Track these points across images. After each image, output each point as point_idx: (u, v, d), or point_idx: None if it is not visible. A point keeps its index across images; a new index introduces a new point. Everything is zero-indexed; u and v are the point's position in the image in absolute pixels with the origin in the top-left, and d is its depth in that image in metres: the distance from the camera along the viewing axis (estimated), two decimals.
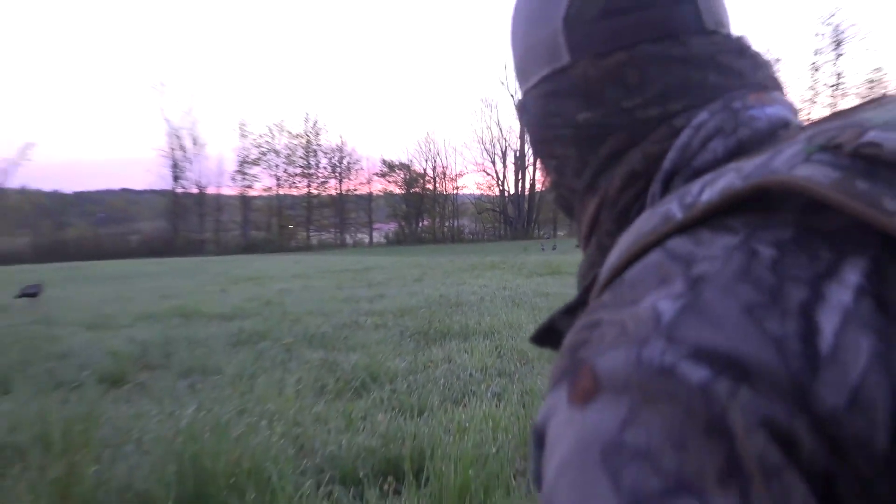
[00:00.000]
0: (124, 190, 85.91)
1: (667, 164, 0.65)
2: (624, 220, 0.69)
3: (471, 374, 5.06)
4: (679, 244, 0.54)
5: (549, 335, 0.75)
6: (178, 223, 66.92)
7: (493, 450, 2.84)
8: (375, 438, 3.49)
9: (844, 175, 0.48)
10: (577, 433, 0.49)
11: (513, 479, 2.85)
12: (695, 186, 0.57)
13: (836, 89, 59.63)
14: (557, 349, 0.70)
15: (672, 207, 0.57)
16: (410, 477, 2.72)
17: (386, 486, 2.87)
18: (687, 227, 0.55)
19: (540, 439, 0.54)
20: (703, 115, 0.65)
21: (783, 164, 0.52)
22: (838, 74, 59.58)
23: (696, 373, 0.45)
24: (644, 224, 0.59)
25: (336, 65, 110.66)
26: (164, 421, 3.73)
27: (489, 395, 4.41)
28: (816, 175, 0.49)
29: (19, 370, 5.74)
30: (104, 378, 5.38)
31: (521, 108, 0.79)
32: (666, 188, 0.65)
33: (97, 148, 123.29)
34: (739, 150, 0.64)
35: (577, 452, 0.49)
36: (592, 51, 0.69)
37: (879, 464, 0.43)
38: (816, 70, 60.45)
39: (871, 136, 0.50)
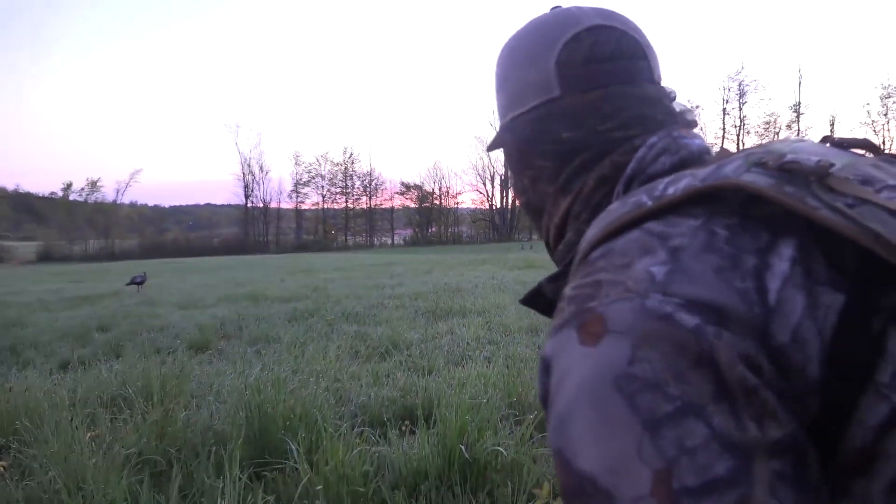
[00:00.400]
0: (208, 204, 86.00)
1: (629, 170, 0.68)
2: (597, 211, 0.70)
3: (467, 343, 5.03)
4: (654, 225, 0.56)
5: (536, 298, 0.77)
6: (248, 229, 67.10)
7: (485, 400, 2.81)
8: (396, 391, 3.47)
9: (777, 181, 0.53)
10: (591, 365, 0.50)
11: (499, 422, 2.83)
12: (660, 184, 0.60)
13: (741, 129, 59.53)
14: (541, 310, 0.78)
15: (642, 198, 0.59)
16: (422, 420, 2.70)
17: (403, 427, 2.85)
18: (656, 213, 0.57)
19: (547, 368, 0.55)
20: (653, 139, 0.69)
21: (731, 172, 0.56)
22: (742, 118, 59.46)
23: (690, 319, 0.48)
24: (618, 209, 0.60)
25: (368, 108, 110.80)
26: (236, 378, 3.71)
27: (481, 358, 4.38)
28: (758, 180, 0.53)
29: (129, 339, 5.74)
30: (192, 345, 5.37)
31: (508, 129, 0.79)
32: (627, 188, 0.67)
33: (188, 171, 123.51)
34: (681, 165, 0.67)
35: (593, 380, 0.50)
36: (578, 87, 0.72)
37: (812, 385, 0.47)
38: (726, 114, 60.22)
39: (789, 157, 0.55)
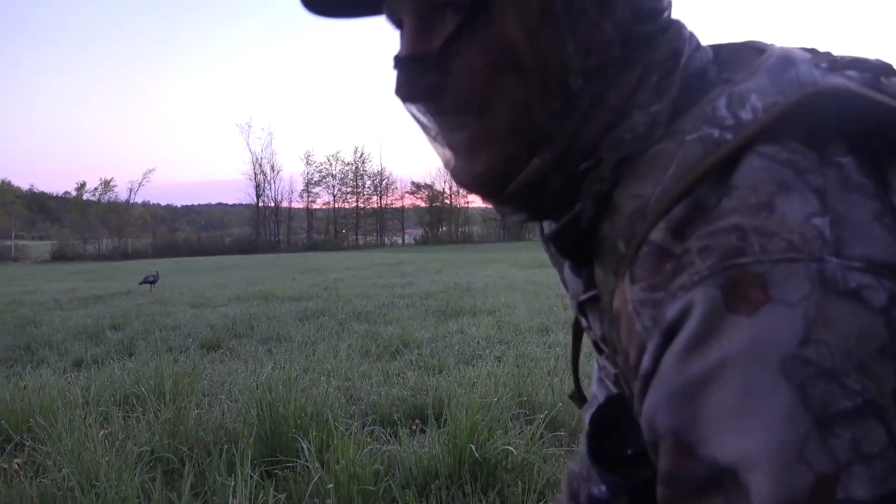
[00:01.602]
0: (219, 204, 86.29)
1: (684, 64, 0.55)
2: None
3: (478, 342, 5.03)
4: (775, 150, 0.45)
5: (567, 232, 0.57)
6: (259, 229, 67.29)
7: (495, 399, 2.81)
8: (406, 390, 3.47)
9: (863, 84, 0.45)
10: (747, 339, 0.41)
11: (509, 421, 2.82)
12: (718, 108, 0.49)
13: None
14: (569, 248, 0.59)
15: (712, 133, 0.48)
16: (432, 420, 2.70)
17: (414, 427, 2.86)
18: (755, 140, 0.46)
19: (672, 334, 0.44)
20: (687, 29, 0.58)
21: (809, 77, 0.47)
22: None
23: (878, 296, 0.40)
24: (686, 153, 0.48)
25: (379, 107, 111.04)
26: (248, 377, 3.73)
27: (492, 358, 4.38)
28: (850, 84, 0.45)
29: (142, 338, 5.77)
30: (204, 344, 5.39)
31: None
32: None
33: (200, 171, 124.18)
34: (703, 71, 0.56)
35: (750, 357, 0.40)
36: None
37: None
38: None
39: (848, 56, 0.48)
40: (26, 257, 58.30)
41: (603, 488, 0.88)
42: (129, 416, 2.95)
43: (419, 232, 70.18)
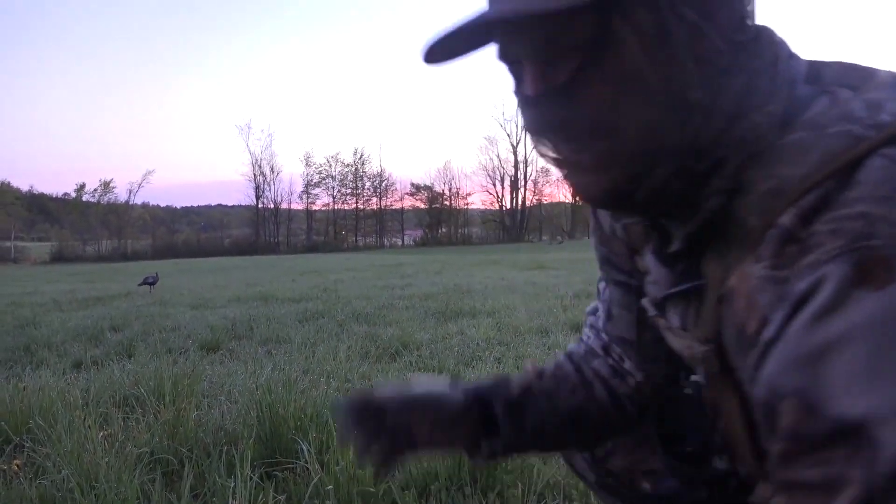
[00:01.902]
0: (219, 205, 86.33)
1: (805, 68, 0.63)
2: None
3: (477, 344, 5.03)
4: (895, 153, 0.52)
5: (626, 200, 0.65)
6: (259, 230, 67.34)
7: None
8: None
9: None
10: (877, 309, 0.46)
11: None
12: (857, 111, 0.55)
13: None
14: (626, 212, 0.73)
15: (853, 129, 0.54)
16: None
17: None
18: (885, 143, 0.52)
19: (800, 305, 0.50)
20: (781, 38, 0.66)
21: None
22: None
23: None
24: (830, 143, 0.54)
25: (379, 109, 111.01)
26: (248, 378, 3.72)
27: (491, 359, 4.38)
28: None
29: (141, 339, 5.76)
30: (204, 345, 5.38)
31: None
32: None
33: (199, 172, 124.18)
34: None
35: (878, 322, 0.46)
36: None
37: None
38: None
39: None
40: (26, 259, 58.32)
41: (671, 482, 0.99)
42: (128, 418, 2.94)
43: (419, 233, 70.22)
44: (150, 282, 12.83)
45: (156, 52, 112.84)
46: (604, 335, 1.02)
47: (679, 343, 0.77)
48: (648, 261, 0.80)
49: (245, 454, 2.31)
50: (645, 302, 0.83)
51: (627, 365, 0.99)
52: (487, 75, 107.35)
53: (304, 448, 2.44)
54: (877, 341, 0.45)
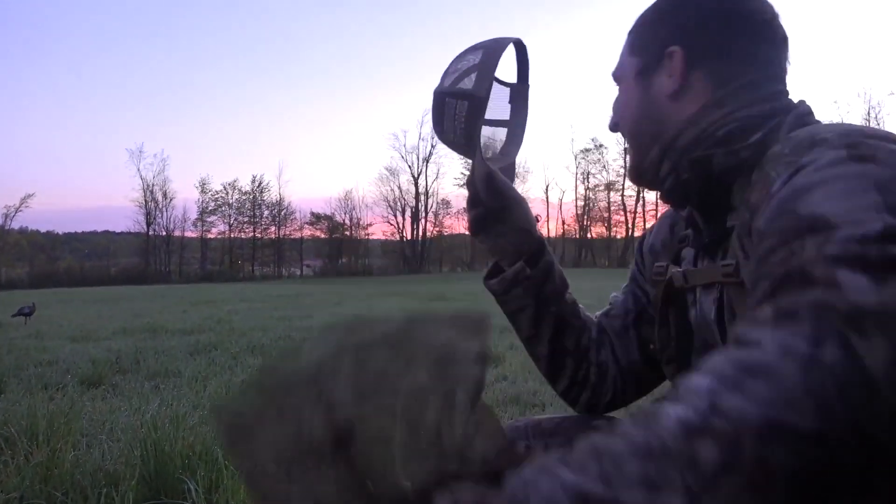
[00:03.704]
0: (106, 231, 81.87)
1: (803, 109, 0.94)
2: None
3: None
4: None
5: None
6: (149, 258, 64.49)
7: None
8: None
9: None
10: (856, 170, 0.66)
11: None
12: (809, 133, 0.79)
13: None
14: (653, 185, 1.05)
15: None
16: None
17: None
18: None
19: (799, 170, 0.71)
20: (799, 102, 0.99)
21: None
22: None
23: None
24: (846, 126, 0.79)
25: (279, 137, 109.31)
26: (132, 414, 3.53)
27: None
28: None
29: (13, 374, 5.35)
30: (84, 380, 5.06)
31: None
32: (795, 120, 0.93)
33: (85, 197, 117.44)
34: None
35: (856, 177, 0.65)
36: None
37: None
38: (627, 154, 63.01)
39: None
40: None
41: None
42: None
43: (318, 263, 69.27)
44: (25, 312, 11.99)
45: (39, 69, 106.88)
46: (601, 324, 1.27)
47: (701, 277, 0.99)
48: (685, 253, 1.06)
49: (127, 496, 2.18)
50: (676, 271, 1.04)
51: (603, 354, 1.23)
52: (389, 106, 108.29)
53: (192, 487, 2.33)
54: (852, 184, 0.64)
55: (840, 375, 0.48)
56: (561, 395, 1.27)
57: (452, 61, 1.16)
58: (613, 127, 1.12)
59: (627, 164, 1.09)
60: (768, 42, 0.98)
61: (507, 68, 1.21)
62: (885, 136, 0.74)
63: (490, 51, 1.11)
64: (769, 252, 0.66)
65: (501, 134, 1.25)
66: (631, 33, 1.09)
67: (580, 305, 1.28)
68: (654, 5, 1.06)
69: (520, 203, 1.19)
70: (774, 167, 0.75)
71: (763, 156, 0.82)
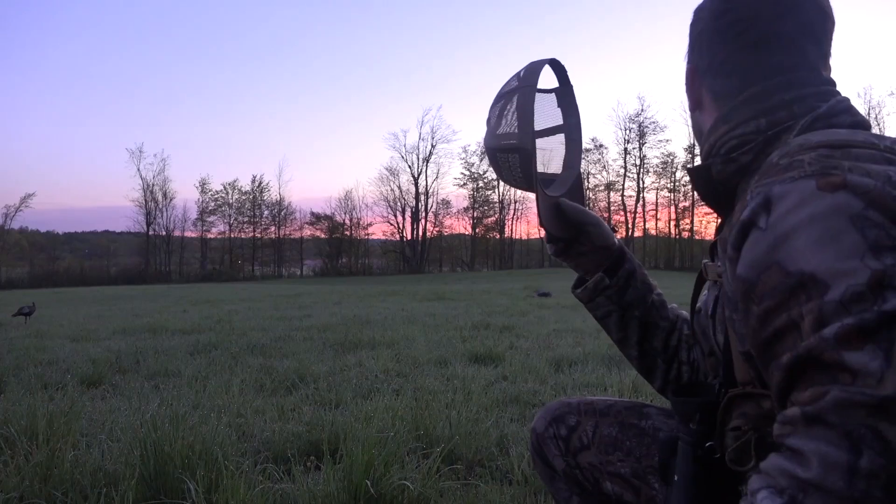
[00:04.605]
0: (106, 231, 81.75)
1: (825, 110, 0.93)
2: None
3: (376, 375, 4.99)
4: (888, 155, 0.80)
5: (703, 173, 0.99)
6: (149, 258, 64.44)
7: (392, 433, 2.78)
8: (301, 426, 3.38)
9: None
10: (828, 204, 0.69)
11: (406, 455, 2.80)
12: (883, 139, 0.83)
13: (641, 167, 62.34)
14: (701, 184, 1.00)
15: (871, 139, 0.82)
16: (328, 455, 2.64)
17: (308, 463, 2.78)
18: (884, 151, 0.81)
19: (768, 203, 0.74)
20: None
21: None
22: (642, 157, 62.33)
23: None
24: (849, 134, 0.83)
25: (279, 137, 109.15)
26: (132, 414, 3.53)
27: (390, 391, 4.35)
28: None
29: (13, 374, 5.35)
30: (84, 380, 5.05)
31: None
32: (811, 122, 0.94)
33: (85, 197, 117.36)
34: (855, 125, 0.93)
35: (830, 212, 0.68)
36: None
37: None
38: (627, 153, 62.88)
39: None
40: None
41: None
42: None
43: (318, 263, 69.21)
44: (25, 312, 11.99)
45: (41, 68, 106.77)
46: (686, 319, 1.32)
47: (710, 273, 1.04)
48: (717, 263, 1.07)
49: (126, 496, 2.18)
50: (705, 262, 1.08)
51: (695, 352, 1.27)
52: (389, 106, 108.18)
53: (192, 487, 2.33)
54: (828, 226, 0.67)
55: (881, 475, 0.57)
56: (658, 391, 1.33)
57: (491, 108, 1.24)
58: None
59: None
60: (772, 50, 0.97)
61: (545, 77, 1.26)
62: (865, 145, 0.78)
63: (524, 92, 1.17)
64: (766, 315, 0.72)
65: (560, 139, 1.31)
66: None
67: (672, 305, 1.33)
68: (697, 26, 1.11)
69: (595, 224, 1.27)
70: (755, 186, 0.80)
71: (767, 157, 0.88)
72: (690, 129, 1.18)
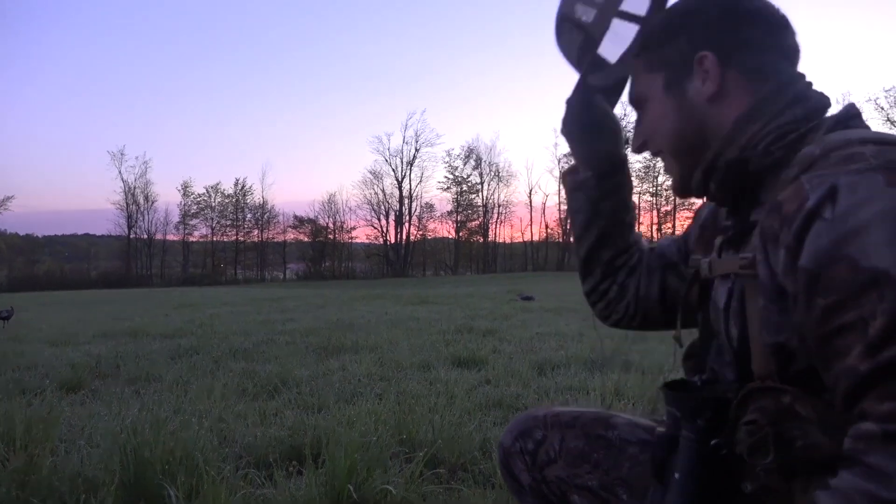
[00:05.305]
0: (87, 234, 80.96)
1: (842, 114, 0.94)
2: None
3: (359, 379, 4.98)
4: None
5: (740, 170, 0.97)
6: (130, 261, 63.81)
7: (375, 438, 2.77)
8: (284, 430, 3.36)
9: None
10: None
11: (389, 460, 2.79)
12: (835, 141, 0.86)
13: None
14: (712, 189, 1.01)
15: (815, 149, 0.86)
16: (310, 460, 2.63)
17: (290, 468, 2.77)
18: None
19: (834, 193, 0.74)
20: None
21: None
22: None
23: None
24: (880, 134, 0.84)
25: (262, 140, 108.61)
26: (112, 419, 3.49)
27: (373, 395, 4.34)
28: None
29: None
30: (63, 385, 4.99)
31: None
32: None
33: (65, 200, 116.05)
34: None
35: None
36: None
37: None
38: None
39: None
40: None
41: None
42: None
43: (301, 266, 68.92)
44: (3, 316, 11.82)
45: (20, 71, 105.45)
46: (642, 256, 1.34)
47: (722, 267, 1.01)
48: (717, 240, 1.07)
49: (106, 502, 2.16)
50: (704, 261, 1.07)
51: (630, 280, 1.32)
52: (373, 110, 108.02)
53: (172, 493, 2.31)
54: None
55: None
56: (584, 294, 1.38)
57: None
58: (640, 148, 1.14)
59: (672, 182, 1.10)
60: (784, 33, 1.01)
61: None
62: None
63: None
64: (833, 309, 0.73)
65: (633, 31, 1.22)
66: (640, 55, 1.10)
67: (643, 238, 1.38)
68: (661, 22, 1.08)
69: (611, 131, 1.28)
70: (807, 176, 0.80)
71: (795, 154, 0.87)
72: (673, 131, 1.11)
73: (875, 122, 49.86)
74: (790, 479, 0.84)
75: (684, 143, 1.04)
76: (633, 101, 1.13)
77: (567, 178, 1.34)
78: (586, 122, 1.27)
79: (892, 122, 49.04)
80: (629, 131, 1.23)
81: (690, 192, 1.07)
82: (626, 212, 1.32)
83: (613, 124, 1.28)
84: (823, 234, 0.74)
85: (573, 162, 1.35)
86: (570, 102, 1.27)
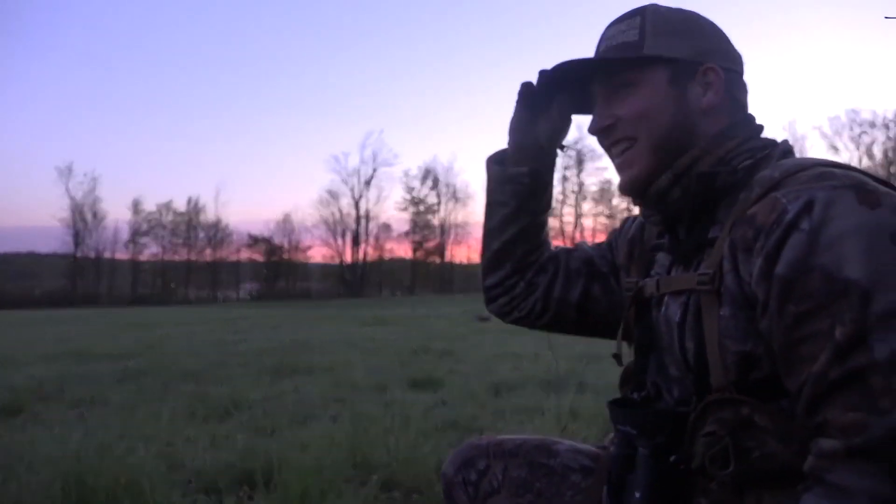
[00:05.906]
0: (31, 252, 78.38)
1: (784, 147, 1.02)
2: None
3: (313, 401, 4.91)
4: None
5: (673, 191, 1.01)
6: (76, 280, 62.02)
7: (329, 461, 2.73)
8: (235, 454, 3.29)
9: None
10: (871, 218, 0.76)
11: (343, 483, 2.75)
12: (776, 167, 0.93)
13: (579, 194, 63.58)
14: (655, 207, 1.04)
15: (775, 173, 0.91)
16: (261, 486, 2.58)
17: (241, 493, 2.70)
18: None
19: (810, 206, 0.78)
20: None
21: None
22: (580, 184, 63.62)
23: None
24: (791, 165, 0.90)
25: (216, 158, 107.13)
26: (54, 445, 3.37)
27: (327, 417, 4.29)
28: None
29: None
30: (2, 409, 4.80)
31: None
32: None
33: (8, 216, 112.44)
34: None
35: (873, 226, 0.75)
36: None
37: None
38: (566, 180, 63.96)
39: None
40: None
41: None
42: None
43: (256, 286, 67.91)
44: None
45: None
46: (558, 254, 1.33)
47: (675, 284, 1.02)
48: (659, 258, 1.11)
49: None
50: (649, 281, 1.08)
51: (540, 277, 1.30)
52: (330, 129, 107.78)
53: None
54: (872, 240, 0.74)
55: None
56: (485, 288, 1.36)
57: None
58: (606, 129, 1.07)
59: (629, 175, 1.05)
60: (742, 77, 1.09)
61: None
62: (874, 178, 0.86)
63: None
64: (804, 316, 0.77)
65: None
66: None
67: (549, 234, 1.39)
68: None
69: (556, 125, 1.25)
70: (782, 192, 0.84)
71: (752, 178, 0.92)
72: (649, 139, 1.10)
73: (819, 149, 51.83)
74: (742, 493, 0.86)
75: (671, 139, 1.02)
76: (629, 81, 1.04)
77: (494, 166, 1.30)
78: (538, 113, 1.24)
79: (835, 149, 50.98)
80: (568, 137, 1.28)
81: (645, 192, 1.04)
82: (547, 211, 1.34)
83: (563, 122, 1.26)
84: (799, 245, 0.77)
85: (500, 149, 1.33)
86: (528, 87, 1.23)
